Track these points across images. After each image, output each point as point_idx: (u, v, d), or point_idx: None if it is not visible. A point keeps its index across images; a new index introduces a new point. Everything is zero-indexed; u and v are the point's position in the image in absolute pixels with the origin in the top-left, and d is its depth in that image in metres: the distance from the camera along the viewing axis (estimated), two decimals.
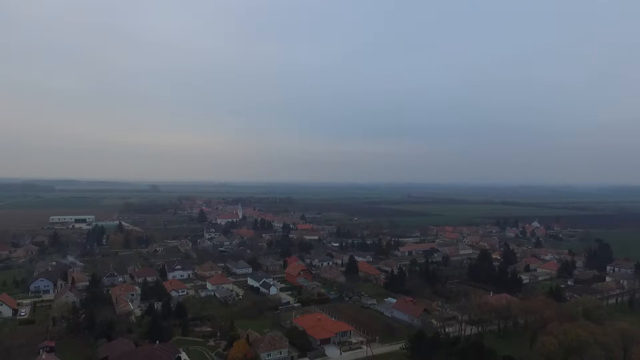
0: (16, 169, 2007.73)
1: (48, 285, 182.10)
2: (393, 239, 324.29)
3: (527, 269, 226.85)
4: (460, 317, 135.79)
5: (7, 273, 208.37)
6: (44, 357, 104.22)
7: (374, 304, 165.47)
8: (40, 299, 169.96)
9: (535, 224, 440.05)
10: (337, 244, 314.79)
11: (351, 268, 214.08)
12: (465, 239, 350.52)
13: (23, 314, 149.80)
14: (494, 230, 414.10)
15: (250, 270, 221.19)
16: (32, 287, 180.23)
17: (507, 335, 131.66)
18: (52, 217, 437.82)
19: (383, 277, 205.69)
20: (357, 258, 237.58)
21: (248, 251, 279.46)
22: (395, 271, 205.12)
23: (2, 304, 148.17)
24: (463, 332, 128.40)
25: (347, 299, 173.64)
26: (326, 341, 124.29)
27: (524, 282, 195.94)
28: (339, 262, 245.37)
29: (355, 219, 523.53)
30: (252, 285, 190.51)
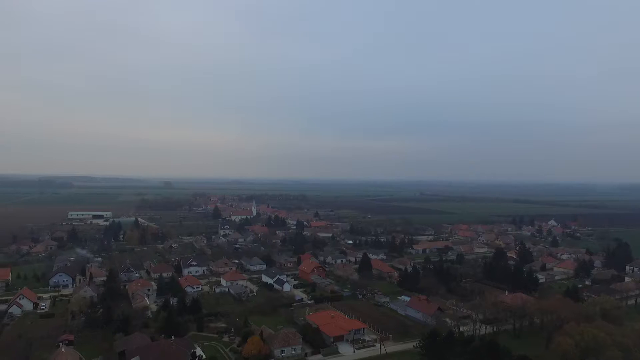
0: (34, 165, 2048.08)
1: (67, 280, 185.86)
2: (406, 237, 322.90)
3: (543, 268, 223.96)
4: (474, 316, 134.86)
5: (27, 268, 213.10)
6: (63, 350, 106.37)
7: (388, 302, 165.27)
8: (59, 293, 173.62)
9: (552, 222, 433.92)
10: (350, 242, 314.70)
11: (365, 266, 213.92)
12: (480, 237, 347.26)
13: (43, 307, 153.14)
14: (509, 229, 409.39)
15: (264, 266, 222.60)
16: (51, 282, 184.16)
17: (522, 335, 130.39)
18: (70, 213, 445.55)
19: (397, 275, 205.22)
20: (370, 256, 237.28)
21: (262, 248, 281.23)
22: (409, 269, 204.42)
23: (23, 298, 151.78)
24: (477, 331, 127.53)
25: (361, 296, 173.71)
26: (340, 338, 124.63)
27: (540, 281, 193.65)
28: (353, 259, 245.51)
29: (369, 216, 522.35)
30: (266, 282, 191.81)
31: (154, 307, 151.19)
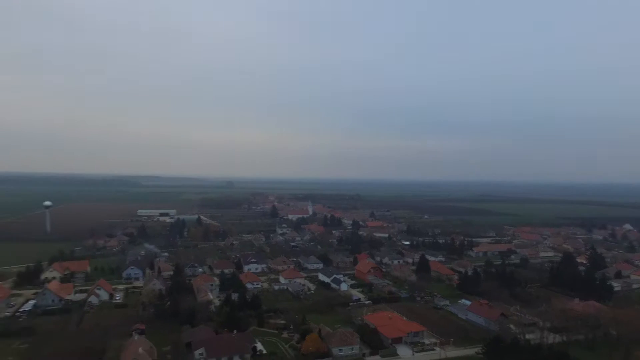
0: (107, 165, 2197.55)
1: (138, 273, 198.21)
2: (466, 239, 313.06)
3: (618, 275, 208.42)
4: (541, 323, 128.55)
5: (103, 261, 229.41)
6: (135, 338, 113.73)
7: (447, 305, 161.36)
8: (131, 285, 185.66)
9: (627, 226, 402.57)
10: (407, 243, 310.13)
11: (422, 267, 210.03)
12: (545, 241, 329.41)
13: (118, 298, 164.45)
14: (578, 232, 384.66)
15: (321, 265, 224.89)
16: (124, 274, 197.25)
17: (596, 347, 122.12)
18: (139, 211, 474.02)
19: (456, 277, 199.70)
20: (428, 257, 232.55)
21: (318, 247, 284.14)
22: (470, 272, 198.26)
23: (100, 289, 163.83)
24: (545, 339, 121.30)
25: (419, 298, 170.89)
26: (398, 340, 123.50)
27: (616, 289, 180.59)
28: (410, 260, 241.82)
29: (425, 217, 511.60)
30: (323, 281, 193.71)
31: (216, 302, 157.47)
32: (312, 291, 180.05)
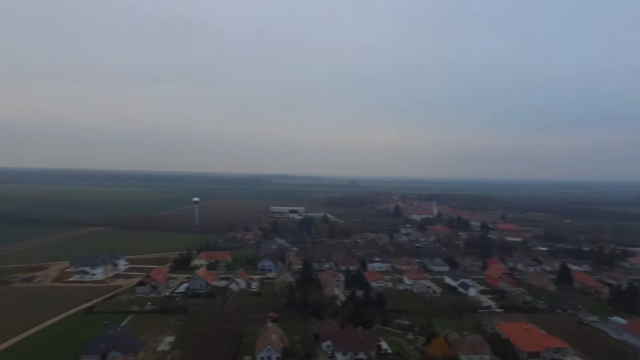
0: (245, 165, 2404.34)
1: (271, 265, 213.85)
2: (618, 247, 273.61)
3: None
4: None
5: (241, 252, 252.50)
6: (269, 325, 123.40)
7: (596, 322, 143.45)
8: (266, 276, 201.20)
9: None
10: (545, 249, 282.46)
11: (563, 277, 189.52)
12: None
13: (254, 287, 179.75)
14: None
15: (446, 268, 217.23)
16: (259, 266, 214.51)
17: None
18: (272, 207, 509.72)
19: (607, 291, 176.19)
20: (570, 266, 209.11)
21: (444, 249, 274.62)
22: (624, 286, 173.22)
23: (239, 277, 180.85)
24: None
25: (560, 311, 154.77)
26: (535, 355, 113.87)
27: None
28: (548, 268, 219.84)
29: (567, 221, 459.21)
30: (449, 284, 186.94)
31: (342, 297, 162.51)
32: (437, 294, 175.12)
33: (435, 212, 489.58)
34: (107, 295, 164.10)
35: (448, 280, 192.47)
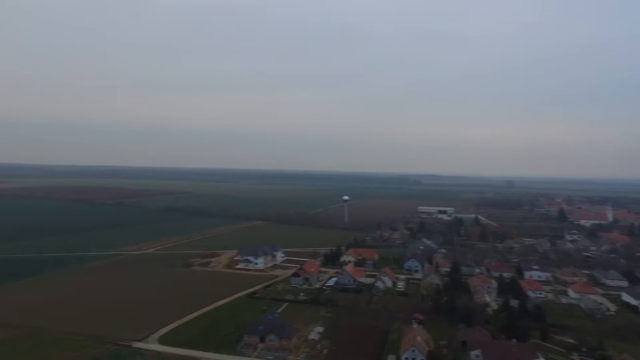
0: (392, 164, 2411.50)
1: (417, 266, 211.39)
2: None
3: None
4: None
5: (387, 251, 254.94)
6: (415, 326, 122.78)
7: None
8: (412, 276, 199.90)
9: None
10: None
11: None
12: None
13: (400, 287, 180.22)
14: None
15: (624, 283, 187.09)
16: (405, 266, 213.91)
17: None
18: (419, 207, 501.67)
19: None
20: None
21: (621, 260, 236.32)
22: None
23: (385, 276, 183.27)
24: None
25: None
26: None
27: None
28: None
29: None
30: (628, 302, 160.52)
31: (493, 305, 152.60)
32: (611, 312, 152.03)
33: (610, 218, 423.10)
34: (266, 283, 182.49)
35: (626, 297, 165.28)
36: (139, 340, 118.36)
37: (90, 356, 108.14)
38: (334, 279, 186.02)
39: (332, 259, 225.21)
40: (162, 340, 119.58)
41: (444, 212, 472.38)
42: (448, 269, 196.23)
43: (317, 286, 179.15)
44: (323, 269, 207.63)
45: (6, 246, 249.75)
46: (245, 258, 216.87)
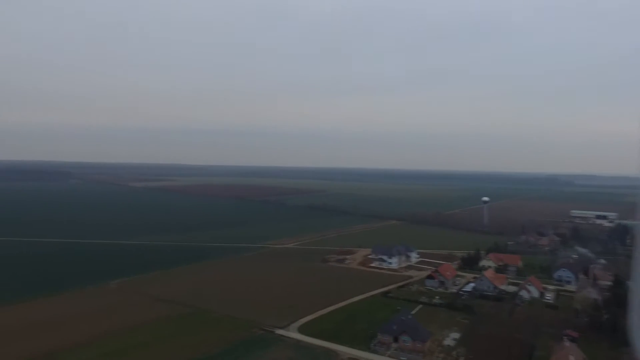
0: (540, 164, 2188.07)
1: (570, 277, 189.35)
2: None
3: None
4: None
5: (533, 258, 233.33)
6: (567, 344, 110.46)
7: None
8: (562, 287, 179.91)
9: None
10: None
11: None
12: None
13: (548, 298, 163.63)
14: None
15: None
16: (555, 275, 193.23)
17: None
18: (572, 211, 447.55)
19: None
20: None
21: None
22: None
23: (531, 285, 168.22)
24: None
25: None
26: None
27: None
28: None
29: None
30: None
31: None
32: None
33: None
34: (400, 284, 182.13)
35: None
36: (281, 328, 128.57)
37: (241, 337, 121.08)
38: (472, 284, 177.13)
39: (469, 263, 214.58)
40: (302, 330, 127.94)
41: (603, 217, 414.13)
42: (609, 283, 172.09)
43: (453, 290, 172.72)
44: (460, 273, 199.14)
45: (178, 237, 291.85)
46: (379, 257, 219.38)
